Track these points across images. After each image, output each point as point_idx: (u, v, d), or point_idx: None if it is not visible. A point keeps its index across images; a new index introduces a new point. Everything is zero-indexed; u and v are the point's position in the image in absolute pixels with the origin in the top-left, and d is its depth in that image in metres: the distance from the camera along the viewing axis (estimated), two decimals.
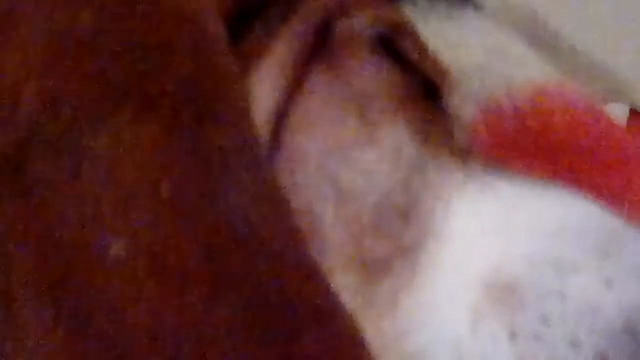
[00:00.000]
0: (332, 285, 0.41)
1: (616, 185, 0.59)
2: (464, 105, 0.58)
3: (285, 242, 0.41)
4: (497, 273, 0.46)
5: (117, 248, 0.39)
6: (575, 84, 0.65)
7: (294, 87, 0.49)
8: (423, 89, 0.53)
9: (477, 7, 0.67)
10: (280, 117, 0.48)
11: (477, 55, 0.62)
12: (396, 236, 0.47)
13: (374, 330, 0.45)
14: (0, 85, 0.41)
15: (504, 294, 0.45)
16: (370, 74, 0.51)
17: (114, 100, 0.41)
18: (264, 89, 0.48)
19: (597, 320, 0.44)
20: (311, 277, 0.41)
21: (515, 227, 0.47)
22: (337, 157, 0.48)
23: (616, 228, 0.48)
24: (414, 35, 0.54)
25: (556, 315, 0.44)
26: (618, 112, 0.84)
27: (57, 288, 0.39)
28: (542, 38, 0.83)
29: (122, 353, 0.38)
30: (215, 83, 0.43)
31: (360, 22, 0.53)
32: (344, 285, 0.45)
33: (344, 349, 0.40)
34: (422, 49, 0.54)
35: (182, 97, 0.42)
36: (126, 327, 0.39)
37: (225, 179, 0.41)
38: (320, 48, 0.51)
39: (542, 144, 0.59)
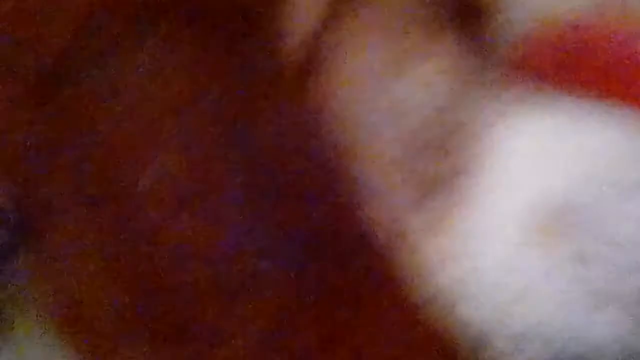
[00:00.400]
0: (385, 205, 0.40)
1: None
2: (517, 18, 0.56)
3: (319, 174, 0.40)
4: (552, 195, 0.44)
5: (154, 166, 0.39)
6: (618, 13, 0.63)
7: (335, 7, 0.48)
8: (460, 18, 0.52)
9: None
10: (319, 39, 0.47)
11: None
12: (453, 153, 0.46)
13: (428, 250, 0.44)
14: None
15: (558, 216, 0.44)
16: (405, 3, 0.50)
17: (150, 18, 0.40)
18: (304, 6, 0.47)
19: None
20: (352, 204, 0.40)
21: (570, 150, 0.45)
22: (394, 69, 0.46)
23: None
24: None
25: (614, 238, 0.44)
26: None
27: (92, 204, 0.40)
28: None
29: (160, 272, 0.39)
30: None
31: None
32: (401, 203, 0.44)
33: (382, 280, 0.39)
34: None
35: (219, 15, 0.41)
36: (164, 248, 0.39)
37: (262, 103, 0.40)
38: None
39: (601, 59, 0.58)
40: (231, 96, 0.40)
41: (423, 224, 0.45)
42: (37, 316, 0.42)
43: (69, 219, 0.39)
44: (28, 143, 0.40)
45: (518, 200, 0.45)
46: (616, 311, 0.43)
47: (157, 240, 0.38)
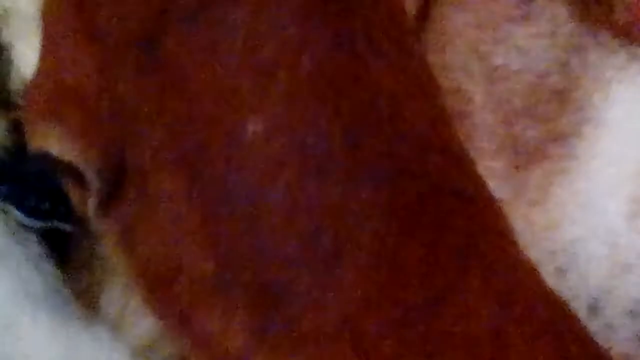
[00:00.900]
0: (479, 171, 0.39)
1: None
2: None
3: (431, 124, 0.39)
4: None
5: (255, 125, 0.38)
6: None
7: None
8: None
9: None
10: None
11: None
12: (551, 120, 0.45)
13: (524, 220, 0.44)
14: None
15: None
16: None
17: None
18: None
19: None
20: (457, 161, 0.39)
21: None
22: (489, 33, 0.45)
23: None
24: None
25: None
26: None
27: (191, 163, 0.38)
28: None
29: (258, 234, 0.38)
30: None
31: None
32: (494, 171, 0.43)
33: (490, 240, 0.38)
34: None
35: None
36: (263, 207, 0.38)
37: (370, 54, 0.39)
38: None
39: None
40: (338, 49, 0.39)
41: (524, 190, 0.45)
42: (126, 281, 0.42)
43: (164, 178, 0.39)
44: (125, 100, 0.39)
45: (624, 167, 0.44)
46: None
47: (258, 201, 0.38)
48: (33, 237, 0.46)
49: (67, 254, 0.46)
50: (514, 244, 0.39)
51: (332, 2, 0.39)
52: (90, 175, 0.40)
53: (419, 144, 0.38)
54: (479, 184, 0.39)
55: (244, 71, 0.38)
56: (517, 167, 0.45)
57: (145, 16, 0.39)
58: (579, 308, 0.43)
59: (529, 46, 0.46)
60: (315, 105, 0.38)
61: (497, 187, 0.41)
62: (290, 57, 0.38)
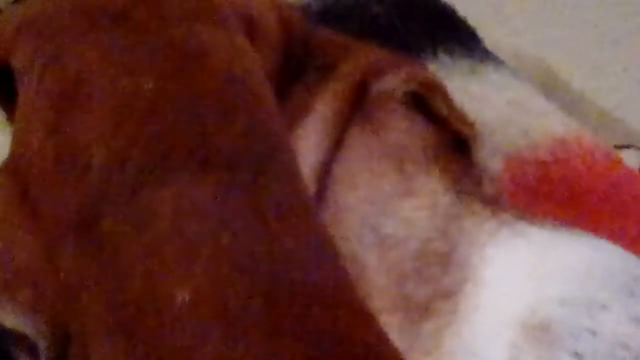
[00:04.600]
0: (381, 325, 0.44)
1: (634, 229, 0.62)
2: (490, 156, 0.61)
3: (337, 286, 0.43)
4: (533, 313, 0.49)
5: (182, 294, 0.42)
6: (592, 133, 0.69)
7: (336, 143, 0.52)
8: (453, 142, 0.56)
9: (497, 63, 0.71)
10: (324, 171, 0.51)
11: (500, 108, 0.66)
12: (436, 280, 0.50)
13: None
14: (73, 148, 0.44)
15: (539, 332, 0.48)
16: (404, 129, 0.54)
17: (176, 158, 0.44)
18: (308, 144, 0.51)
19: (626, 355, 0.47)
20: (362, 318, 0.43)
21: (546, 270, 0.50)
22: (378, 207, 0.51)
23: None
24: (443, 92, 0.58)
25: (588, 351, 0.47)
26: (629, 159, 0.86)
27: (128, 329, 0.42)
28: (553, 88, 0.86)
29: None
30: (268, 141, 0.46)
31: (393, 81, 0.56)
32: (390, 325, 0.48)
33: None
34: (451, 104, 0.58)
35: (238, 155, 0.45)
36: None
37: (281, 228, 0.44)
38: (357, 106, 0.55)
39: (563, 191, 0.63)
40: (252, 225, 0.43)
41: (417, 343, 0.49)
42: None
43: (104, 343, 0.41)
44: (67, 277, 0.43)
45: (504, 318, 0.49)
46: None
47: None
48: None
49: None
50: None
51: (245, 185, 0.44)
52: (42, 345, 0.43)
53: (329, 304, 0.43)
54: (383, 337, 0.43)
55: (171, 247, 0.42)
56: (410, 323, 0.49)
57: (82, 203, 0.44)
58: None
59: (412, 217, 0.52)
60: (235, 275, 0.42)
61: (394, 339, 0.45)
62: (211, 233, 0.43)
